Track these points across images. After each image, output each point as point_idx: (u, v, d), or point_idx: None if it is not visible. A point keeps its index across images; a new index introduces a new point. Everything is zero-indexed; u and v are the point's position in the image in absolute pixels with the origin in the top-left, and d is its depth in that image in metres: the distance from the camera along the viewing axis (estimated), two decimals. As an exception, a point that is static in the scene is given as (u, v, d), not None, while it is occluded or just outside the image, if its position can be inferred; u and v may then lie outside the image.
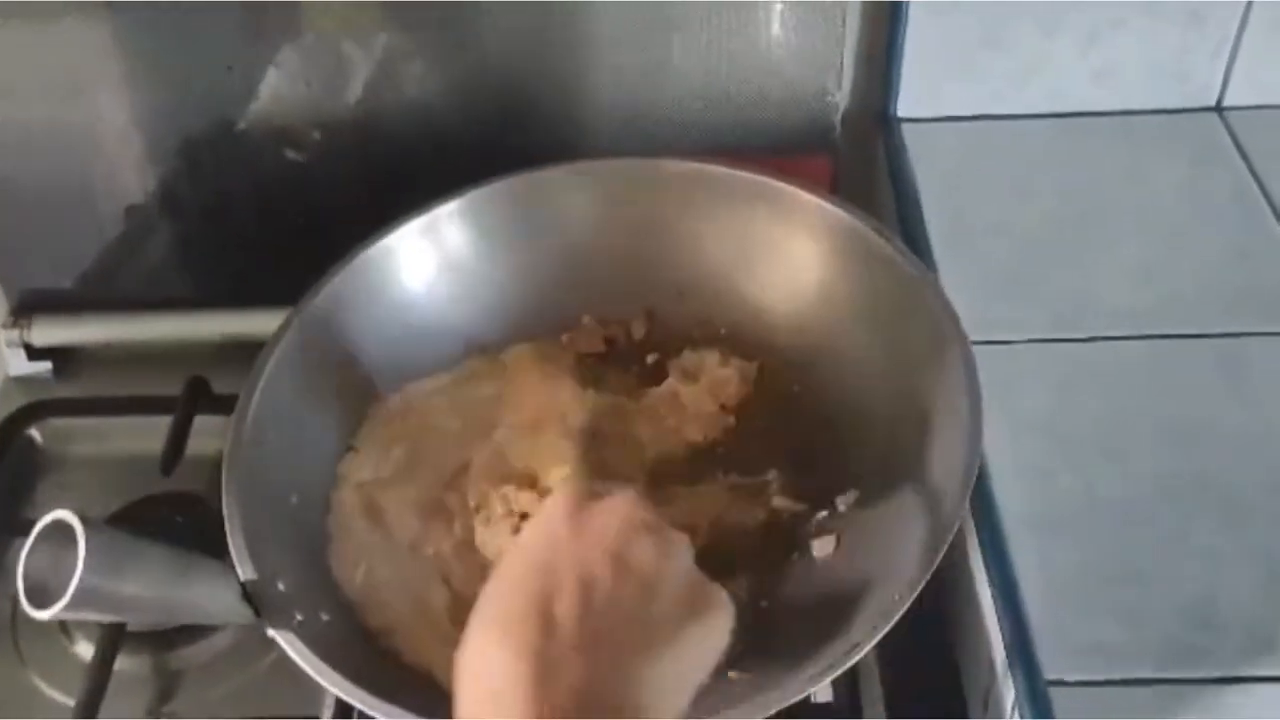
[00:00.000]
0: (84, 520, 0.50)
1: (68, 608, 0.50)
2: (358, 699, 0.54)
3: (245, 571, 0.57)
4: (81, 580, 0.49)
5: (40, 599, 0.51)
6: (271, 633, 0.56)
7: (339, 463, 0.69)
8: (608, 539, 0.46)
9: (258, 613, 0.57)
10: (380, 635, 0.62)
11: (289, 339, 0.68)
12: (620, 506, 0.48)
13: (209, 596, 0.56)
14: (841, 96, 0.85)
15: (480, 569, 0.64)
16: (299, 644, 0.56)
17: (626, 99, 0.83)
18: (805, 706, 0.64)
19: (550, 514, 0.48)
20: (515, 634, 0.43)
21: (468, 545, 0.66)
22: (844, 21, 0.81)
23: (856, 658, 0.52)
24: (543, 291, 0.76)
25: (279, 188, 0.86)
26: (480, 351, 0.75)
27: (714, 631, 0.48)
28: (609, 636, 0.44)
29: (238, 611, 0.56)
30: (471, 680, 0.43)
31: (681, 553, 0.48)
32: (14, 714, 0.66)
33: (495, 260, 0.75)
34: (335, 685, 0.54)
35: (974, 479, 0.58)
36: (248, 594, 0.57)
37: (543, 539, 0.47)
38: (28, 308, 0.87)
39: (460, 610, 0.61)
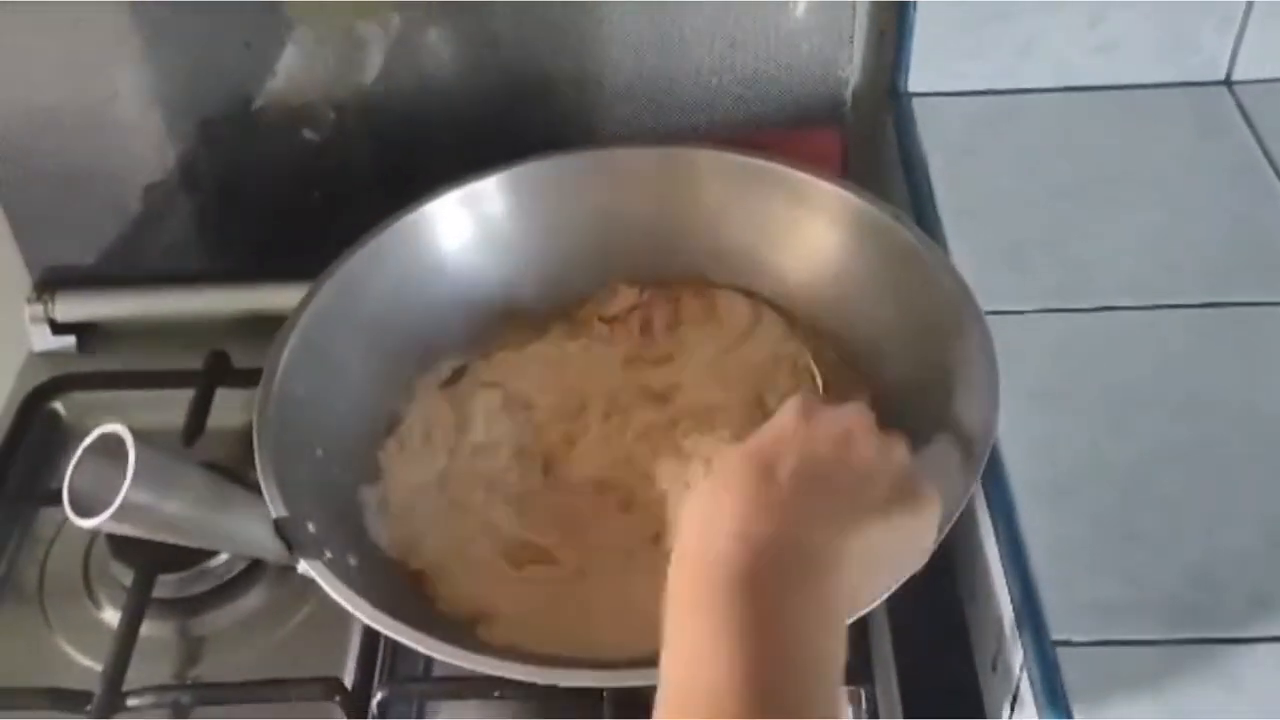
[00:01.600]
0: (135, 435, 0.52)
1: (113, 518, 0.51)
2: (388, 627, 0.56)
3: (277, 510, 0.59)
4: (129, 493, 0.51)
5: (85, 510, 0.52)
6: (303, 565, 0.58)
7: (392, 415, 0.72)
8: (835, 429, 0.50)
9: (290, 547, 0.58)
10: (417, 582, 0.64)
11: (321, 298, 0.70)
12: (849, 411, 0.52)
13: (244, 526, 0.58)
14: (852, 71, 0.86)
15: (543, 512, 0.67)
16: (331, 576, 0.58)
17: (639, 75, 0.84)
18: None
19: (784, 412, 0.51)
20: (735, 484, 0.47)
21: (531, 494, 0.69)
22: (854, -2, 0.81)
23: (872, 605, 0.54)
24: (568, 266, 0.78)
25: (296, 165, 0.87)
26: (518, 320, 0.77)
27: (922, 523, 0.51)
28: (822, 494, 0.47)
29: (271, 545, 0.58)
30: (695, 517, 0.47)
31: (899, 453, 0.52)
32: (41, 679, 0.67)
33: (528, 232, 0.77)
34: (365, 614, 0.57)
35: (990, 446, 0.59)
36: (280, 530, 0.58)
37: (774, 430, 0.50)
38: (51, 284, 0.88)
39: (519, 551, 0.65)
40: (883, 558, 0.50)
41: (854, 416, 0.51)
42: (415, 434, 0.71)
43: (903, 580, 0.52)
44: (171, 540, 0.57)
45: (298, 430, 0.65)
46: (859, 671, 0.63)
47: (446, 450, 0.70)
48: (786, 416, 0.51)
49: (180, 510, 0.55)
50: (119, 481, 0.51)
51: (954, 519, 0.57)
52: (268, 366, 0.66)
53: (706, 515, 0.47)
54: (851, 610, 0.48)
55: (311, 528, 0.60)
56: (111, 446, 0.53)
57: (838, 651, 0.44)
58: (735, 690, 0.41)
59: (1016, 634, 0.59)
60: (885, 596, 0.52)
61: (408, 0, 0.80)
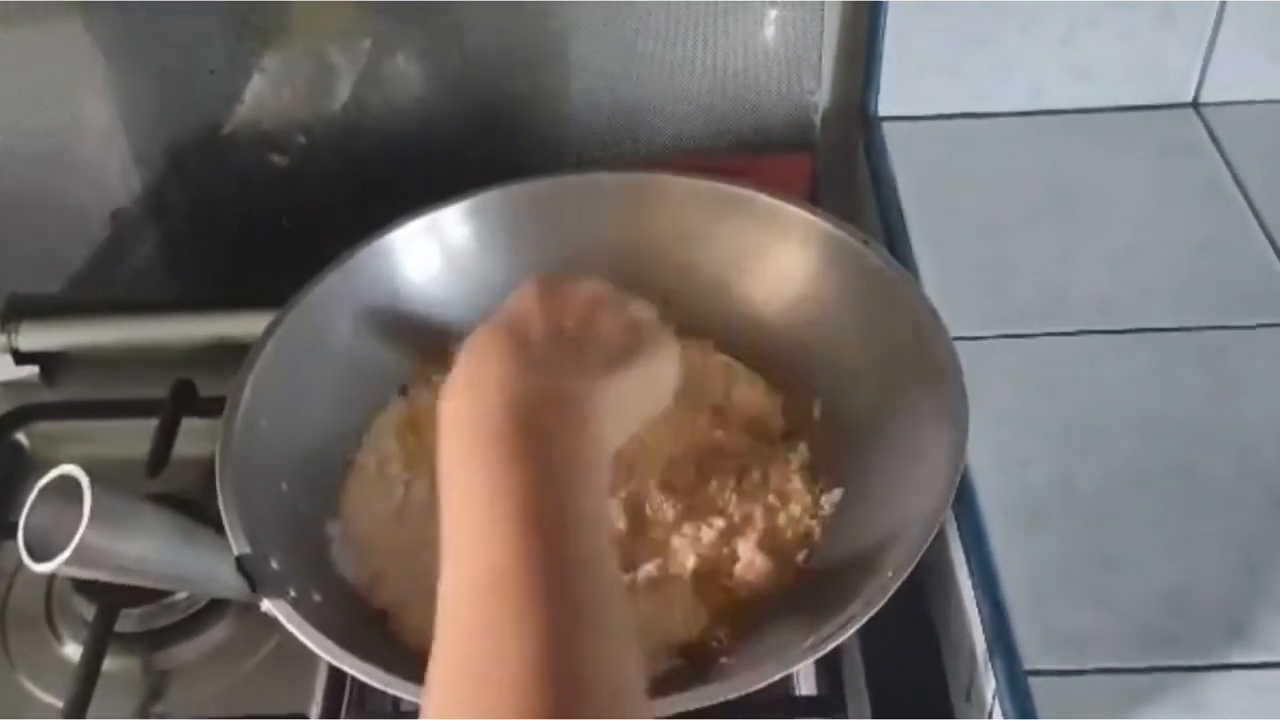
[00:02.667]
0: (90, 476, 0.51)
1: (69, 562, 0.50)
2: (352, 666, 0.55)
3: (240, 546, 0.58)
4: (85, 535, 0.50)
5: (41, 554, 0.51)
6: (266, 605, 0.57)
7: (352, 448, 0.71)
8: (575, 306, 0.54)
9: (253, 586, 0.57)
10: (382, 618, 0.63)
11: (283, 329, 0.69)
12: (585, 284, 0.55)
13: (206, 565, 0.57)
14: (821, 95, 0.86)
15: None
16: (295, 615, 0.57)
17: (608, 100, 0.84)
18: (790, 700, 0.65)
19: (521, 291, 0.54)
20: (494, 350, 0.50)
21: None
22: (823, 20, 0.81)
23: (848, 633, 0.54)
24: None
25: (264, 191, 0.86)
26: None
27: (664, 367, 0.56)
28: (570, 357, 0.51)
29: (233, 584, 0.57)
30: (453, 386, 0.49)
31: (636, 307, 0.56)
32: (2, 715, 0.66)
33: (492, 262, 0.76)
34: (330, 654, 0.56)
35: (960, 472, 0.59)
36: (243, 567, 0.57)
37: (519, 303, 0.54)
38: (14, 312, 0.87)
39: None
40: (631, 404, 0.53)
41: (593, 289, 0.55)
42: (371, 466, 0.70)
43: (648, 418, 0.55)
44: (132, 583, 0.56)
45: (261, 464, 0.64)
46: (832, 701, 0.63)
47: (403, 483, 0.69)
48: (523, 295, 0.54)
49: (139, 552, 0.54)
50: (76, 524, 0.50)
51: (925, 546, 0.56)
52: (230, 400, 0.65)
53: (470, 381, 0.49)
54: (611, 450, 0.50)
55: (275, 564, 0.59)
56: (68, 487, 0.51)
57: (599, 505, 0.47)
58: (505, 530, 0.43)
59: (989, 663, 0.58)
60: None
61: (376, 24, 0.80)
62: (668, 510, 0.65)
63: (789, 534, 0.64)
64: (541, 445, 0.46)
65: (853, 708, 0.63)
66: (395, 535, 0.67)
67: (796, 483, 0.66)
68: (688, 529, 0.64)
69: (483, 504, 0.45)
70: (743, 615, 0.62)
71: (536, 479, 0.45)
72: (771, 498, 0.65)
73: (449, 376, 0.50)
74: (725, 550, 0.63)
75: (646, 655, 0.59)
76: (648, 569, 0.63)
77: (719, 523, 0.64)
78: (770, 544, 0.63)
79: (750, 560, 0.63)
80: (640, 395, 0.54)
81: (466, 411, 0.48)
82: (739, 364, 0.74)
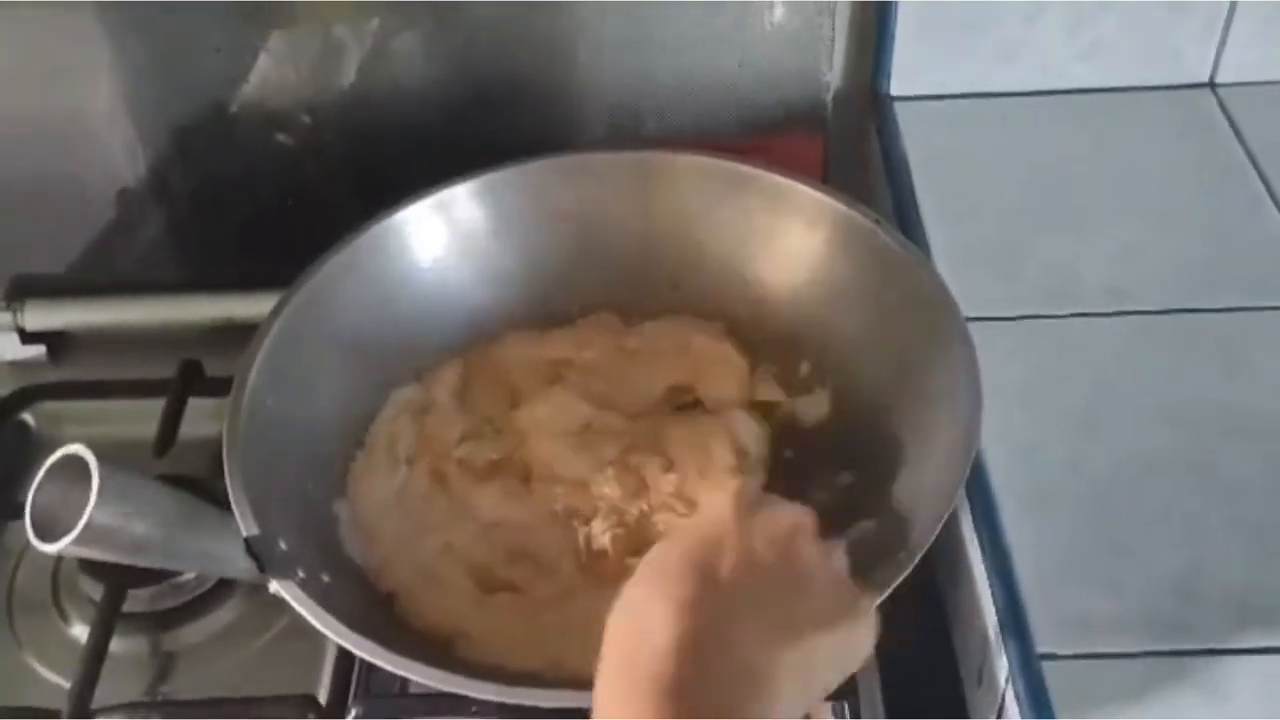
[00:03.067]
0: (98, 456, 0.51)
1: (76, 542, 0.50)
2: (361, 648, 0.55)
3: (248, 527, 0.58)
4: (93, 515, 0.50)
5: (49, 534, 0.51)
6: (275, 586, 0.57)
7: (360, 429, 0.70)
8: (774, 533, 0.48)
9: (261, 567, 0.57)
10: (390, 600, 0.63)
11: (291, 310, 0.69)
12: (791, 511, 0.50)
13: (214, 546, 0.57)
14: (833, 76, 0.85)
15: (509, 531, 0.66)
16: (304, 596, 0.56)
17: (617, 80, 0.83)
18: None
19: (720, 504, 0.49)
20: (673, 582, 0.45)
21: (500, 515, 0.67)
22: (835, 1, 0.81)
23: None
24: (545, 275, 0.77)
25: (270, 171, 0.86)
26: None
27: (857, 638, 0.49)
28: (761, 603, 0.45)
29: (242, 564, 0.57)
30: (624, 626, 0.45)
31: (839, 562, 0.50)
32: (9, 695, 0.66)
33: (501, 242, 0.76)
34: (339, 635, 0.55)
35: (973, 455, 0.59)
36: (251, 548, 0.57)
37: (711, 522, 0.48)
38: (20, 292, 0.87)
39: (486, 576, 0.63)
40: (817, 669, 0.47)
41: (796, 516, 0.50)
42: (380, 449, 0.70)
43: (832, 688, 0.50)
44: (139, 563, 0.56)
45: (269, 445, 0.64)
46: (843, 685, 0.62)
47: (411, 466, 0.69)
48: (724, 510, 0.48)
49: (147, 532, 0.54)
50: (83, 504, 0.50)
51: (938, 529, 0.56)
52: (237, 381, 0.65)
53: (640, 612, 0.45)
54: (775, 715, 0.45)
55: (283, 545, 0.59)
56: (75, 467, 0.51)
57: None
58: None
59: (1001, 646, 0.58)
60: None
61: (383, 2, 0.79)
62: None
63: None
64: (703, 705, 0.42)
65: (863, 690, 0.63)
66: (403, 518, 0.67)
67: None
68: None
69: None
70: None
71: None
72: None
73: (626, 585, 0.46)
74: None
75: None
76: None
77: None
78: None
79: None
80: (829, 659, 0.48)
81: (633, 643, 0.44)
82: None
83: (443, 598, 0.63)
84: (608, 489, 0.66)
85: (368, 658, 0.55)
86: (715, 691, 0.42)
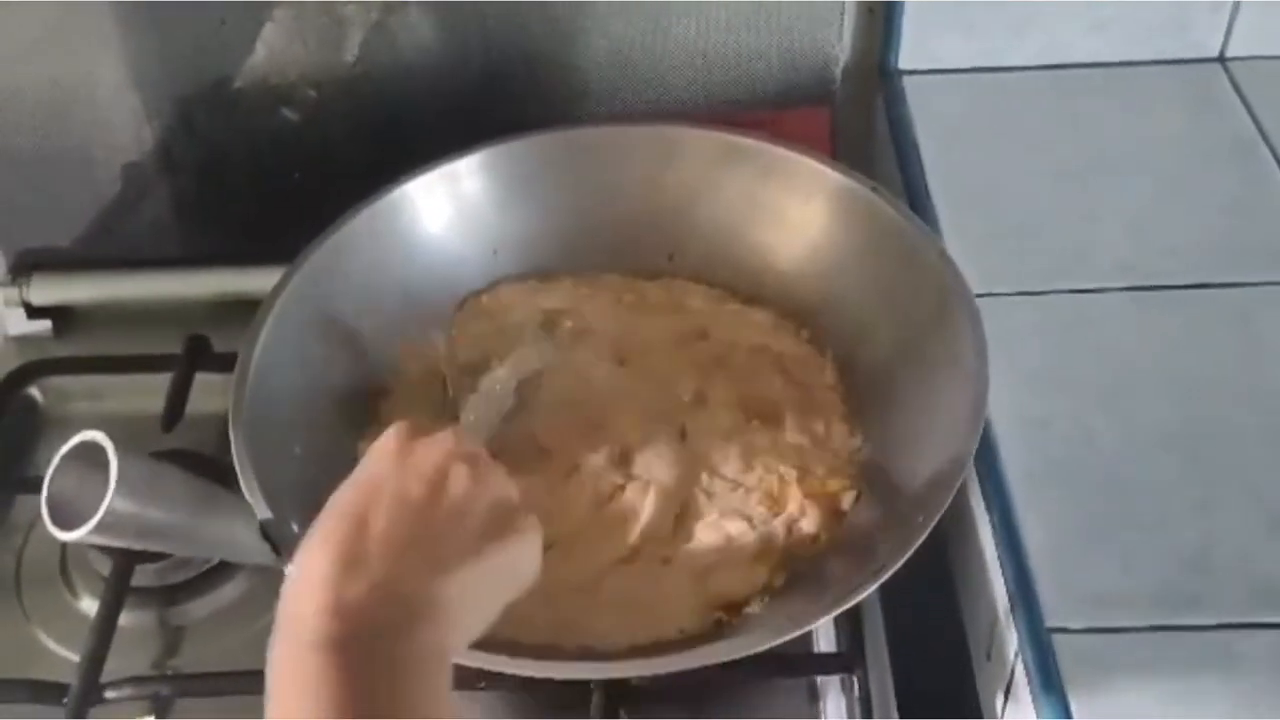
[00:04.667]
0: (115, 443, 0.50)
1: (95, 530, 0.50)
2: None
3: (261, 512, 0.58)
4: (111, 503, 0.49)
5: (65, 520, 0.51)
6: (290, 568, 0.56)
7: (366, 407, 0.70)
8: (427, 467, 0.50)
9: (276, 549, 0.57)
10: None
11: (292, 287, 0.69)
12: (443, 441, 0.51)
13: (230, 531, 0.56)
14: (842, 49, 0.85)
15: None
16: None
17: (625, 53, 0.83)
18: (810, 657, 0.65)
19: (381, 446, 0.51)
20: (326, 538, 0.47)
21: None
22: (844, -27, 0.80)
23: (870, 589, 0.54)
24: (548, 247, 0.76)
25: (276, 145, 0.85)
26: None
27: (521, 554, 0.52)
28: (414, 544, 0.47)
29: (256, 548, 0.57)
30: (289, 589, 0.46)
31: (495, 480, 0.52)
32: (18, 669, 0.66)
33: (506, 214, 0.76)
34: None
35: (980, 429, 0.58)
36: (266, 532, 0.57)
37: (372, 467, 0.50)
38: (26, 266, 0.87)
39: None
40: (488, 594, 0.50)
41: (450, 446, 0.51)
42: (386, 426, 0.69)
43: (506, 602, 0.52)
44: (154, 548, 0.56)
45: (275, 429, 0.63)
46: (851, 659, 0.62)
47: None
48: (380, 456, 0.50)
49: (165, 517, 0.53)
50: (100, 490, 0.50)
51: (946, 503, 0.56)
52: (241, 359, 0.65)
53: (298, 584, 0.46)
54: (457, 647, 0.48)
55: (295, 528, 0.58)
56: (91, 453, 0.51)
57: (439, 709, 0.45)
58: None
59: (1011, 621, 0.58)
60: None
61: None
62: (726, 465, 0.65)
63: (832, 484, 0.64)
64: (365, 655, 0.43)
65: (872, 665, 0.63)
66: None
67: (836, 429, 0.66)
68: (743, 483, 0.64)
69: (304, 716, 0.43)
70: (787, 569, 0.61)
71: (356, 694, 0.43)
72: (810, 443, 0.65)
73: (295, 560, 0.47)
74: (776, 504, 0.63)
75: (695, 613, 0.59)
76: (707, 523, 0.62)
77: (770, 476, 0.64)
78: (818, 494, 0.63)
79: (802, 512, 0.62)
80: (499, 580, 0.51)
81: (294, 612, 0.45)
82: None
83: None
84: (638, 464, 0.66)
85: None
86: (381, 637, 0.44)
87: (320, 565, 0.45)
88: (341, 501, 0.49)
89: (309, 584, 0.45)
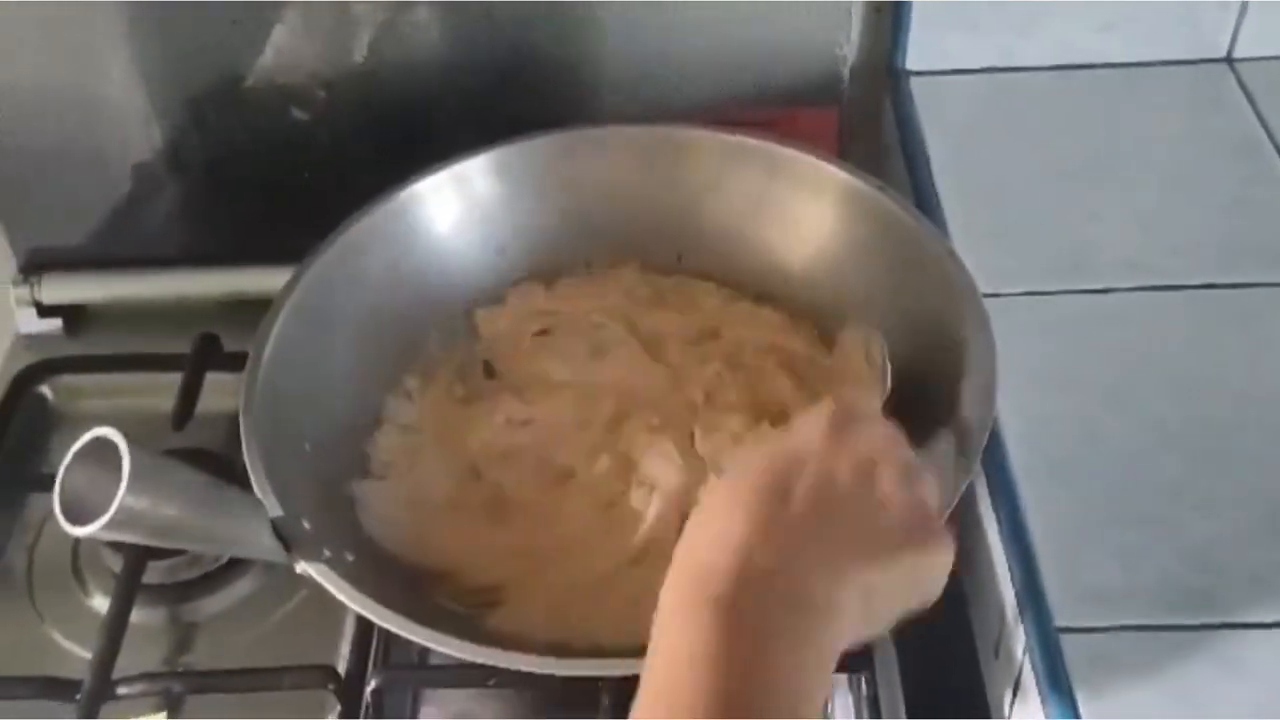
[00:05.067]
0: (128, 439, 0.51)
1: (108, 526, 0.50)
2: (396, 624, 0.55)
3: (273, 509, 0.58)
4: (124, 499, 0.50)
5: (76, 516, 0.51)
6: (303, 566, 0.57)
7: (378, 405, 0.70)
8: (860, 454, 0.48)
9: (288, 547, 0.57)
10: (415, 576, 0.63)
11: (302, 286, 0.69)
12: (881, 432, 0.50)
13: (242, 528, 0.57)
14: (849, 50, 0.85)
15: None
16: (335, 576, 0.57)
17: (634, 52, 0.83)
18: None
19: (813, 422, 0.49)
20: (748, 500, 0.45)
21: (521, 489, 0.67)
22: (852, -26, 0.81)
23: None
24: (559, 245, 0.77)
25: (286, 145, 0.85)
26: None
27: (931, 568, 0.49)
28: (832, 528, 0.45)
29: (268, 546, 0.57)
30: (697, 537, 0.45)
31: (922, 487, 0.50)
32: (31, 666, 0.66)
33: (516, 214, 0.76)
34: (372, 613, 0.56)
35: (989, 429, 0.59)
36: (278, 530, 0.57)
37: (800, 438, 0.48)
38: (37, 265, 0.87)
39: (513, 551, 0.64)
40: (884, 598, 0.47)
41: (885, 439, 0.49)
42: (398, 426, 0.70)
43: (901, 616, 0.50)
44: (166, 545, 0.56)
45: (285, 426, 0.64)
46: (859, 658, 0.63)
47: (430, 443, 0.69)
48: (815, 427, 0.48)
49: (176, 515, 0.53)
50: (112, 487, 0.50)
51: (954, 503, 0.56)
52: (251, 358, 0.65)
53: (713, 526, 0.45)
54: (844, 646, 0.45)
55: (307, 525, 0.59)
56: (104, 450, 0.51)
57: (812, 700, 0.43)
58: (701, 715, 0.41)
59: (1019, 620, 0.58)
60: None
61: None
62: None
63: None
64: (764, 631, 0.42)
65: (880, 664, 0.63)
66: (424, 496, 0.67)
67: None
68: None
69: (682, 667, 0.42)
70: None
71: (746, 665, 0.42)
72: None
73: (704, 496, 0.47)
74: None
75: None
76: None
77: None
78: None
79: None
80: (899, 592, 0.48)
81: (697, 559, 0.44)
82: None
83: (468, 572, 0.64)
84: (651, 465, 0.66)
85: (405, 634, 0.55)
86: (774, 614, 0.43)
87: (733, 525, 0.44)
88: (764, 467, 0.47)
89: (717, 539, 0.44)
